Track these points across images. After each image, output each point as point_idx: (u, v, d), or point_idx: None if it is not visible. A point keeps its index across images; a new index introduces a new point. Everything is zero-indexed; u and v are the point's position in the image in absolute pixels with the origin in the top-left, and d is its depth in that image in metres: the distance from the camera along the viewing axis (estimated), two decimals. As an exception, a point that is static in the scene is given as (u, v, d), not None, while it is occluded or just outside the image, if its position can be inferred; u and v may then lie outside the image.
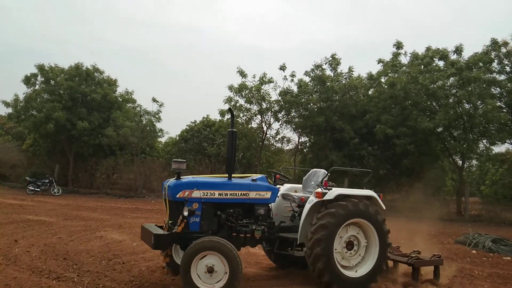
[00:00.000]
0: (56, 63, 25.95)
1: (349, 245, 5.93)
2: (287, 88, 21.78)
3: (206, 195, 5.59)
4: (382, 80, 21.34)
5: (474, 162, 22.20)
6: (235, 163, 6.15)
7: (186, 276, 4.85)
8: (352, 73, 21.72)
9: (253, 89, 21.46)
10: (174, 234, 5.35)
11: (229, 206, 5.83)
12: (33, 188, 20.78)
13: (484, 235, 11.10)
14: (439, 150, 21.57)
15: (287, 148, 24.89)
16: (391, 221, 16.00)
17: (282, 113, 22.01)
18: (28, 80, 24.97)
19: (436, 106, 20.07)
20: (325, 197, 5.73)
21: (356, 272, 5.87)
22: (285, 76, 21.88)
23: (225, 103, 21.80)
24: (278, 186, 6.41)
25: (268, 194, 5.94)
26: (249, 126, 22.75)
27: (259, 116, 22.42)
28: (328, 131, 21.31)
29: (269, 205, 6.13)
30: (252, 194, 5.84)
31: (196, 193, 5.51)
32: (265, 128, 22.68)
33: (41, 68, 24.80)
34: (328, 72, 21.80)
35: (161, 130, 26.37)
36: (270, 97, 21.88)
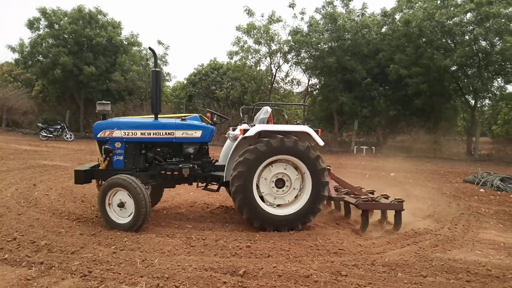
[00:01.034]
0: (58, 5, 25.21)
1: (280, 183, 5.74)
2: (296, 27, 21.05)
3: (127, 135, 5.83)
4: (397, 17, 20.43)
5: (487, 101, 21.78)
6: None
7: (103, 210, 5.38)
8: (365, 10, 20.80)
9: (262, 29, 20.76)
10: (99, 171, 5.79)
11: (155, 145, 6.00)
12: (46, 134, 21.09)
13: (493, 174, 11.13)
14: (452, 89, 21.11)
15: (297, 90, 24.56)
16: (400, 162, 16.14)
17: (292, 54, 21.44)
18: (31, 25, 24.46)
19: (452, 43, 19.35)
20: (247, 134, 5.61)
21: (283, 209, 5.71)
22: (294, 14, 21.11)
23: (233, 44, 21.25)
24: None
25: (197, 133, 5.93)
26: (258, 68, 22.27)
27: (268, 58, 21.89)
28: (339, 72, 20.83)
29: (203, 143, 6.14)
30: (179, 133, 5.90)
31: (117, 133, 5.81)
32: (274, 70, 22.24)
33: (43, 11, 24.15)
34: (340, 9, 20.92)
35: (168, 74, 26.13)
36: (280, 38, 21.22)
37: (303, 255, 4.64)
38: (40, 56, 24.45)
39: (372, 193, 6.86)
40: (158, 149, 5.99)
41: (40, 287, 3.52)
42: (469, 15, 18.18)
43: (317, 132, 5.88)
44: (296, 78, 23.23)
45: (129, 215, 5.33)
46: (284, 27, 21.50)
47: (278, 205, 5.77)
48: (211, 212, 6.72)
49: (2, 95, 27.06)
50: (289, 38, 20.97)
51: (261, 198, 5.71)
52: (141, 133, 5.86)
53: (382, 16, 20.80)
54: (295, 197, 5.77)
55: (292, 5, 20.69)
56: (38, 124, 22.36)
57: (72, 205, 6.74)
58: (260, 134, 5.72)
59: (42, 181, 8.84)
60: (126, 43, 26.33)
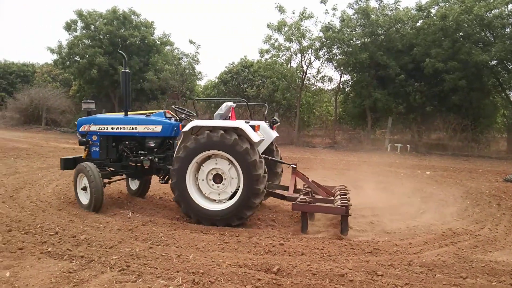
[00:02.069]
0: (93, 7, 26.03)
1: (218, 178, 5.72)
2: (328, 23, 20.79)
3: (101, 129, 6.67)
4: (432, 11, 19.79)
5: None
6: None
7: (75, 191, 6.42)
8: (399, 4, 20.26)
9: (293, 26, 20.62)
10: (80, 159, 6.78)
11: (122, 139, 6.64)
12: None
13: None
14: (491, 85, 20.25)
15: (329, 87, 24.27)
16: (436, 160, 15.67)
17: (323, 50, 21.17)
18: (69, 26, 25.38)
19: (491, 37, 18.56)
20: (183, 129, 5.75)
21: (219, 204, 5.69)
22: (326, 10, 20.81)
23: (264, 42, 21.22)
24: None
25: (158, 128, 6.25)
26: (289, 66, 22.15)
27: (299, 55, 21.72)
28: (372, 68, 20.42)
29: (166, 138, 6.42)
30: (141, 128, 6.36)
31: (93, 127, 6.73)
32: (305, 68, 22.04)
33: (79, 13, 25.00)
34: (373, 3, 20.50)
35: (200, 73, 26.45)
36: (311, 34, 21.02)
37: (337, 254, 4.58)
38: (77, 56, 25.34)
39: (345, 194, 6.23)
40: (126, 142, 6.59)
41: (81, 279, 3.64)
42: (510, 6, 17.37)
43: (255, 127, 5.78)
44: (327, 75, 22.94)
45: (88, 198, 6.10)
46: (315, 24, 21.39)
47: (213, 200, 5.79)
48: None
49: (41, 94, 28.25)
50: (321, 34, 20.74)
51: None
52: (111, 127, 6.60)
53: (417, 10, 20.20)
54: (228, 197, 5.73)
55: (323, 1, 20.43)
56: (76, 122, 23.12)
57: (109, 201, 6.93)
58: (193, 130, 5.75)
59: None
60: (159, 42, 26.87)
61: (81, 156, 6.91)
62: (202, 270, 3.92)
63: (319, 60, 21.65)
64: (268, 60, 22.06)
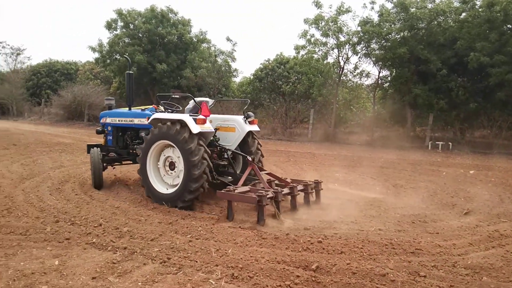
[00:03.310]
0: (132, 6, 26.75)
1: (172, 165, 6.46)
2: (366, 17, 20.29)
3: (112, 121, 7.94)
4: (477, 2, 18.89)
5: None
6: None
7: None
8: (440, -4, 19.48)
9: (330, 20, 20.30)
10: (100, 145, 8.04)
11: (126, 130, 7.86)
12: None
13: None
14: (542, 79, 19.11)
15: (366, 83, 23.74)
16: (480, 159, 15.04)
17: (361, 45, 20.70)
18: (109, 25, 26.20)
19: (543, 28, 17.51)
20: (148, 121, 6.74)
21: (171, 188, 6.37)
22: (364, 4, 20.31)
23: (300, 37, 21.01)
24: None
25: (146, 120, 7.03)
26: (325, 61, 21.84)
27: (335, 50, 21.36)
28: (412, 62, 19.75)
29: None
30: (136, 120, 7.41)
31: (108, 120, 8.03)
32: (342, 63, 21.66)
33: (119, 12, 25.74)
34: (413, -4, 19.81)
35: (236, 70, 26.58)
36: (348, 29, 20.62)
37: (377, 253, 4.48)
38: (117, 55, 26.12)
39: (317, 185, 6.78)
40: (128, 132, 7.82)
41: (125, 270, 3.75)
42: None
43: (195, 120, 6.13)
44: (365, 70, 22.41)
45: None
46: (353, 18, 20.84)
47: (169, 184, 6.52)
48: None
49: (84, 92, 29.33)
50: (359, 28, 20.30)
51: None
52: (118, 120, 7.84)
53: (461, 2, 19.35)
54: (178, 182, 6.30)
55: (361, -5, 19.98)
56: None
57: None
58: (152, 121, 6.58)
59: (122, 172, 9.43)
60: (196, 40, 27.22)
61: (101, 143, 8.22)
62: (241, 265, 3.94)
63: (356, 55, 21.20)
64: (304, 56, 21.83)
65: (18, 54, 39.20)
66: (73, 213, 5.67)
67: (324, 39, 20.80)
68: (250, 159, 6.60)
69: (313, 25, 20.55)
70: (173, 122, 6.18)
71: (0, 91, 36.99)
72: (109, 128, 8.10)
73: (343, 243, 4.75)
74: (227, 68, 26.06)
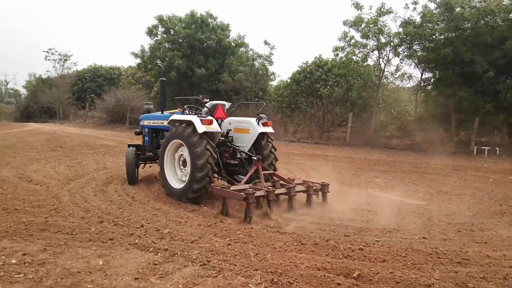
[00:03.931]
0: (173, 12, 27.37)
1: (185, 163, 6.90)
2: (408, 18, 19.70)
3: (148, 124, 8.77)
4: (529, 0, 17.91)
5: None
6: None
7: None
8: (487, -5, 18.62)
9: (370, 22, 19.90)
10: (138, 145, 8.82)
11: (158, 131, 8.56)
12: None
13: None
14: None
15: (408, 85, 23.05)
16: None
17: (403, 47, 20.12)
18: (150, 32, 26.96)
19: None
20: (167, 122, 7.48)
21: (180, 184, 6.89)
22: (406, 4, 19.75)
23: (340, 39, 20.72)
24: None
25: (166, 122, 7.68)
26: (365, 63, 21.40)
27: (376, 52, 20.89)
28: (457, 64, 18.96)
29: None
30: (165, 122, 7.95)
31: (146, 122, 8.85)
32: (382, 65, 21.15)
33: (160, 19, 26.44)
34: (458, -4, 19.06)
35: (273, 73, 26.60)
36: (389, 30, 20.12)
37: (422, 263, 4.31)
38: (158, 60, 26.83)
39: (324, 187, 6.94)
40: (160, 133, 8.34)
41: (166, 272, 3.80)
42: None
43: (202, 121, 6.51)
44: (407, 72, 21.77)
45: None
46: (394, 19, 20.31)
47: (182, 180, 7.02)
48: (316, 210, 6.60)
49: (126, 96, 30.31)
50: (400, 30, 19.77)
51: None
52: (152, 122, 8.63)
53: (510, 0, 18.40)
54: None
55: (403, -5, 19.47)
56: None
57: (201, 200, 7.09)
58: (169, 122, 7.20)
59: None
60: (234, 44, 27.49)
61: (140, 144, 8.99)
62: (280, 270, 3.90)
63: (398, 56, 20.63)
64: (343, 58, 21.51)
65: (66, 60, 41.18)
66: (116, 214, 5.84)
67: (364, 41, 20.43)
68: (256, 159, 6.76)
69: (353, 27, 20.23)
70: (183, 122, 6.74)
71: (48, 95, 38.94)
72: (146, 130, 8.91)
73: (386, 251, 4.60)
74: (264, 72, 26.11)
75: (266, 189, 6.01)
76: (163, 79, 8.58)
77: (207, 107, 7.48)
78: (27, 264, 3.86)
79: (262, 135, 7.41)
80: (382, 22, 19.95)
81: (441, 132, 20.44)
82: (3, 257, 3.99)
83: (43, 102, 39.32)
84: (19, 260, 3.93)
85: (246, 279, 3.71)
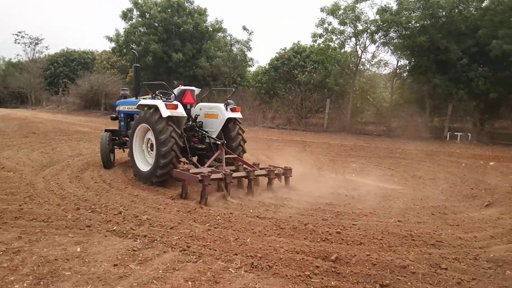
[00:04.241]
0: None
1: (152, 146, 7.00)
2: (385, 5, 19.95)
3: (123, 109, 8.76)
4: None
5: None
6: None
7: None
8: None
9: (347, 9, 19.97)
10: (115, 131, 8.88)
11: (132, 116, 8.30)
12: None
13: None
14: None
15: (384, 72, 23.39)
16: (501, 151, 14.75)
17: (379, 34, 20.38)
18: (125, 15, 26.30)
19: None
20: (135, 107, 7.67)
21: (147, 168, 6.99)
22: (383, -9, 19.92)
23: (317, 26, 20.76)
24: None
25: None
26: (342, 50, 21.54)
27: (353, 39, 21.06)
28: (432, 52, 19.34)
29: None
30: (133, 107, 8.02)
31: (121, 108, 8.85)
32: (359, 52, 21.37)
33: (135, 2, 25.80)
34: (434, -17, 19.31)
35: (251, 59, 26.44)
36: (367, 17, 20.27)
37: (397, 245, 4.43)
38: (133, 44, 26.23)
39: (287, 171, 7.07)
40: (133, 118, 8.10)
41: (145, 258, 3.79)
42: None
43: (167, 105, 6.64)
44: (383, 59, 22.07)
45: None
46: (371, 6, 20.52)
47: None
48: (294, 194, 6.68)
49: (100, 81, 29.61)
50: (377, 17, 19.96)
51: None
52: (126, 107, 8.63)
53: (483, -12, 18.78)
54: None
55: (380, -18, 19.57)
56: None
57: (169, 183, 7.09)
58: (138, 107, 7.37)
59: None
60: (211, 29, 27.11)
61: (116, 129, 9.00)
62: (260, 254, 3.94)
63: (374, 44, 20.92)
64: (321, 45, 21.58)
65: (37, 43, 39.79)
66: (93, 200, 5.75)
67: (341, 28, 20.53)
68: (220, 143, 7.03)
69: (330, 15, 20.28)
70: (150, 107, 6.88)
71: (19, 80, 37.63)
72: (122, 115, 8.86)
73: (362, 234, 4.71)
74: (242, 58, 25.94)
75: (223, 172, 6.16)
76: (137, 65, 8.57)
77: (174, 93, 7.51)
78: (1, 252, 3.77)
79: (229, 120, 7.66)
80: (360, 9, 20.06)
81: (415, 118, 20.91)
82: (-24, 246, 3.88)
83: (14, 87, 37.97)
84: (-7, 249, 3.83)
85: (226, 264, 3.73)
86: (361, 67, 22.18)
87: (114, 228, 4.58)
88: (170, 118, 6.59)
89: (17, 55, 52.64)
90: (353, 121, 21.89)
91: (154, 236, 4.34)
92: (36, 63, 39.11)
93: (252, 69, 29.70)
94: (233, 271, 3.60)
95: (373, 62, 21.97)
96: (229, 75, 25.62)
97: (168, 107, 6.59)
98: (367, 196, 6.82)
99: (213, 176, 6.02)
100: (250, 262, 3.76)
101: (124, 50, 26.93)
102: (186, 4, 26.48)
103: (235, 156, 7.27)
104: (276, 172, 6.88)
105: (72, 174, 7.64)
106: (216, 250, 4.03)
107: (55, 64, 39.22)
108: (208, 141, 7.69)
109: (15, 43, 39.62)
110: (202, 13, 26.94)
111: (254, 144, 14.49)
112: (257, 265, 3.71)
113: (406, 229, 5.01)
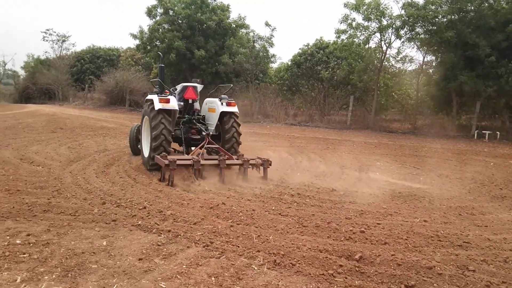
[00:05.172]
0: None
1: None
2: (411, 0, 19.47)
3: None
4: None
5: None
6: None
7: None
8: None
9: (371, 5, 19.63)
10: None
11: None
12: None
13: None
14: None
15: (410, 69, 22.92)
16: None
17: (405, 29, 19.94)
18: (150, 12, 26.58)
19: None
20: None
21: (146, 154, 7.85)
22: (409, -14, 19.48)
23: (341, 22, 20.49)
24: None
25: None
26: (367, 46, 21.20)
27: (378, 35, 20.69)
28: (459, 47, 18.81)
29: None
30: None
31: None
32: (384, 48, 20.99)
33: (160, -1, 26.02)
34: (462, -23, 18.76)
35: (274, 55, 26.32)
36: (392, 12, 19.88)
37: (423, 245, 4.34)
38: (157, 41, 26.51)
39: (265, 162, 7.45)
40: None
41: (169, 253, 3.83)
42: None
43: (160, 100, 7.43)
44: (408, 55, 21.62)
45: None
46: (396, 1, 20.17)
47: None
48: (317, 192, 6.63)
49: (125, 77, 30.08)
50: (403, 12, 19.54)
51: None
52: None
53: (515, -19, 18.10)
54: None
55: (406, -23, 19.17)
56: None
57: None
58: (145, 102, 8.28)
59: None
60: (234, 26, 27.14)
61: None
62: (283, 252, 3.93)
63: (400, 39, 20.48)
64: (345, 41, 21.30)
65: (64, 41, 40.81)
66: (118, 195, 5.85)
67: (366, 23, 20.20)
68: (205, 134, 7.90)
69: (354, 10, 19.98)
70: (148, 101, 7.91)
71: (47, 76, 38.67)
72: None
73: (387, 233, 4.63)
74: (265, 54, 25.87)
75: (193, 158, 6.82)
76: (162, 65, 9.03)
77: (168, 89, 8.62)
78: (31, 244, 3.88)
79: (225, 113, 8.30)
80: (385, 4, 19.69)
81: (442, 116, 20.42)
82: (8, 237, 4.01)
83: (42, 83, 39.06)
84: (23, 241, 3.95)
85: (249, 260, 3.74)
86: (386, 63, 21.79)
87: (139, 222, 4.65)
88: (161, 110, 7.40)
89: (45, 52, 53.97)
90: (377, 118, 21.55)
91: (178, 231, 4.38)
92: (64, 60, 40.10)
93: (275, 65, 29.63)
94: (256, 268, 3.60)
95: (398, 58, 21.57)
96: (251, 71, 25.61)
97: (160, 101, 7.41)
98: (391, 195, 6.71)
99: (180, 162, 6.68)
100: (273, 260, 3.75)
101: (148, 47, 27.25)
102: (209, 1, 26.58)
103: (217, 146, 7.89)
104: (251, 162, 7.33)
105: (98, 169, 7.81)
106: (239, 247, 4.04)
107: (82, 61, 40.12)
108: (204, 133, 8.24)
109: (43, 40, 40.76)
110: (225, 9, 26.99)
111: (276, 141, 14.46)
112: (279, 263, 3.70)
113: (432, 229, 4.90)
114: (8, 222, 4.47)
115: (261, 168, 7.45)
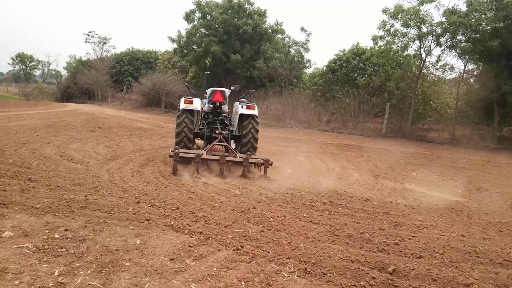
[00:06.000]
0: (211, -3, 27.29)
1: None
2: (453, 7, 18.91)
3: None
4: None
5: None
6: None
7: None
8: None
9: (411, 12, 19.18)
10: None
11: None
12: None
13: None
14: None
15: (450, 77, 22.20)
16: None
17: (446, 36, 19.36)
18: (188, 17, 27.08)
19: None
20: None
21: None
22: (451, -7, 18.91)
23: (379, 28, 20.13)
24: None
25: None
26: (405, 53, 20.71)
27: (417, 42, 20.18)
28: (504, 56, 18.04)
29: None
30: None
31: None
32: (423, 55, 20.44)
33: (198, 4, 26.48)
34: (509, -17, 18.02)
35: (308, 61, 26.20)
36: (432, 19, 19.35)
37: (460, 261, 4.18)
38: (194, 45, 26.96)
39: (266, 162, 7.85)
40: None
41: (200, 254, 3.86)
42: None
43: (184, 101, 8.61)
44: (449, 64, 20.98)
45: None
46: (437, 7, 19.55)
47: None
48: (350, 201, 6.52)
49: (162, 80, 30.74)
50: (443, 19, 18.98)
51: None
52: None
53: None
54: None
55: (448, -17, 18.61)
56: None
57: (220, 182, 7.26)
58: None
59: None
60: (271, 31, 27.22)
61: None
62: (314, 260, 3.88)
63: (440, 47, 19.89)
64: (382, 47, 20.90)
65: (105, 43, 42.17)
66: (152, 195, 5.97)
67: (404, 30, 19.75)
68: (218, 133, 8.72)
69: (392, 18, 19.59)
70: (179, 103, 8.86)
71: (88, 77, 40.09)
72: None
73: (422, 247, 4.49)
74: (299, 59, 25.78)
75: (196, 153, 7.61)
76: (207, 72, 10.53)
77: (193, 92, 9.77)
78: (68, 239, 4.02)
79: (245, 116, 8.91)
80: (424, 11, 19.19)
81: (482, 127, 19.65)
82: (47, 231, 4.17)
83: (83, 83, 40.52)
84: (61, 235, 4.09)
85: (279, 267, 3.72)
86: (425, 71, 21.22)
87: (172, 223, 4.72)
88: (185, 110, 8.54)
89: (87, 53, 56.03)
90: (413, 127, 21.00)
91: (209, 234, 4.42)
92: (104, 62, 41.45)
93: (309, 70, 29.47)
94: (286, 275, 3.57)
95: (437, 66, 20.95)
96: (286, 76, 25.57)
97: (185, 102, 8.53)
98: (427, 207, 6.50)
99: (182, 154, 7.61)
100: (304, 268, 3.71)
101: (185, 51, 27.75)
102: (246, 6, 26.80)
103: (225, 144, 8.55)
104: (251, 161, 7.78)
105: (133, 168, 8.00)
106: (269, 252, 4.02)
107: (121, 62, 41.37)
108: (221, 133, 8.97)
109: (86, 42, 42.28)
110: (262, 14, 27.12)
111: (308, 147, 14.36)
112: (310, 271, 3.66)
113: (470, 244, 4.71)
114: (47, 217, 4.65)
115: (262, 167, 7.90)
